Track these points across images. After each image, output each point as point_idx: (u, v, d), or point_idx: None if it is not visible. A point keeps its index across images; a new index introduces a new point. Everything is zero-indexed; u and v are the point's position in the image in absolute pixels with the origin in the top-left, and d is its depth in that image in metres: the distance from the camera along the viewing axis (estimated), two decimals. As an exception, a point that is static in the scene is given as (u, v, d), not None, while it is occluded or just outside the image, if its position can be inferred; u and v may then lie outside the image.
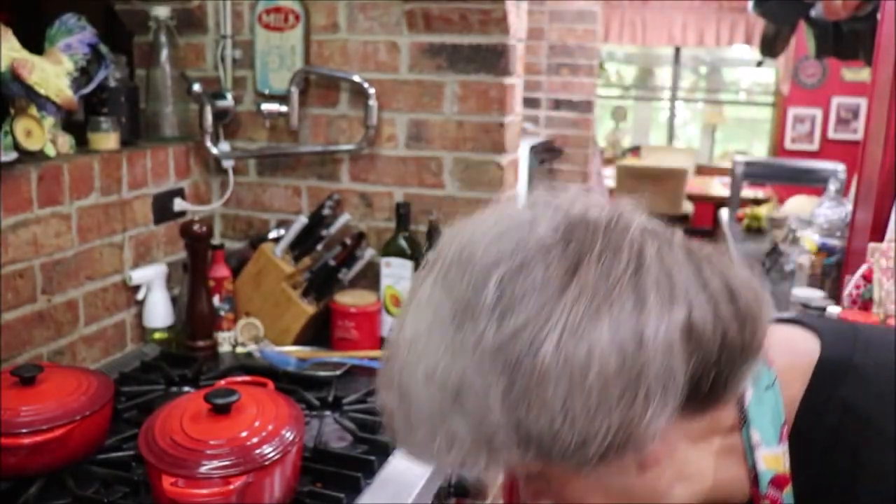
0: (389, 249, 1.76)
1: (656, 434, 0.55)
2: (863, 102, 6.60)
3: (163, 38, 1.80)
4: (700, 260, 0.59)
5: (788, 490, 0.65)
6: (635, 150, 7.62)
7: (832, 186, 2.35)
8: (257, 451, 1.07)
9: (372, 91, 1.76)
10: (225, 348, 1.75)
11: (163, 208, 1.77)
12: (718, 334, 0.57)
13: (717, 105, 7.96)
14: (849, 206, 2.20)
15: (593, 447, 0.54)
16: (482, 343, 0.54)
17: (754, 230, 3.44)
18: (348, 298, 1.75)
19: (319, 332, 1.85)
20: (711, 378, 0.58)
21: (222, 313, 1.75)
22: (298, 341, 1.79)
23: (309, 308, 1.77)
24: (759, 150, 8.19)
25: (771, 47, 3.37)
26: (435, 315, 0.56)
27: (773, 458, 0.64)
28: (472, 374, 0.54)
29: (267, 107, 1.82)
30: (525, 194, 0.56)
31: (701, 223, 7.00)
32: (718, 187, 6.32)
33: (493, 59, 1.70)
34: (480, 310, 0.54)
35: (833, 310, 1.66)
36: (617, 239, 0.56)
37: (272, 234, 1.89)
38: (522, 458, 0.55)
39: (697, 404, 0.59)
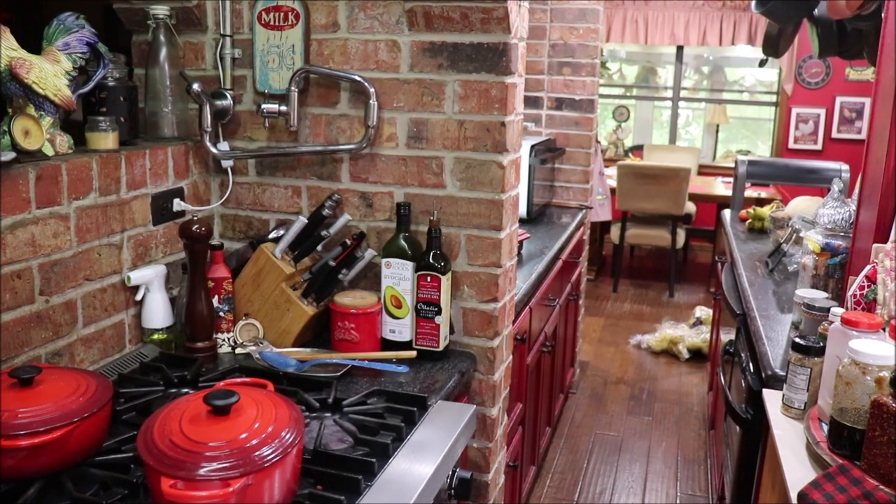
0: (390, 250, 1.75)
1: None
2: (867, 101, 6.59)
3: (162, 37, 1.79)
4: None
5: None
6: (637, 150, 7.61)
7: (836, 186, 2.33)
8: (257, 453, 1.06)
9: (372, 90, 1.76)
10: (224, 349, 1.75)
11: (162, 208, 1.76)
12: None
13: (719, 104, 7.94)
14: (853, 207, 2.18)
15: None
16: None
17: (757, 230, 3.42)
18: (348, 299, 1.74)
19: (319, 333, 1.85)
20: None
21: (221, 314, 1.74)
22: (298, 342, 1.78)
23: (309, 309, 1.77)
24: (763, 150, 8.18)
25: (774, 46, 3.35)
26: None
27: None
28: None
29: (266, 106, 1.82)
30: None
31: (703, 223, 6.99)
32: (721, 187, 6.30)
33: (495, 58, 1.69)
34: None
35: (837, 311, 1.65)
36: None
37: (272, 235, 1.89)
38: None
39: None
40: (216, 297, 1.72)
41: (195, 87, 1.75)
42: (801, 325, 1.95)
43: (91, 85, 1.61)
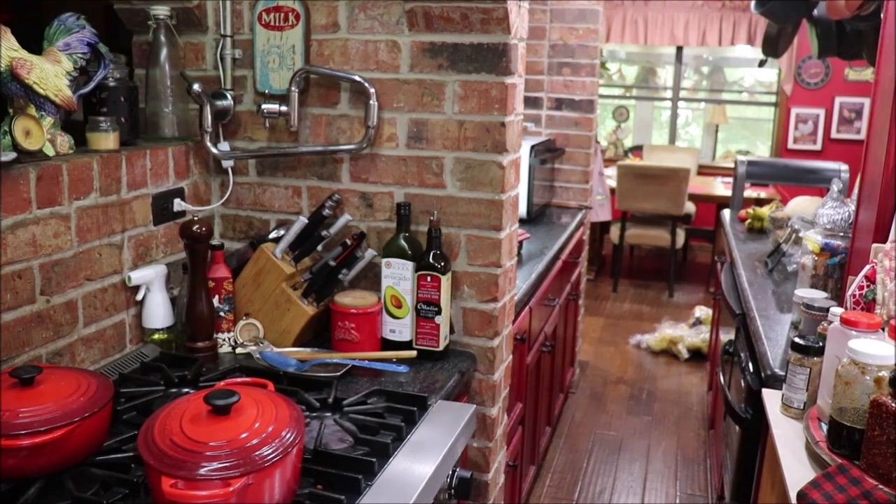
0: (390, 250, 1.76)
1: None
2: (866, 102, 6.59)
3: (162, 38, 1.80)
4: None
5: None
6: (637, 150, 7.61)
7: (835, 186, 2.33)
8: (257, 453, 1.06)
9: (372, 90, 1.76)
10: (225, 349, 1.75)
11: (162, 208, 1.76)
12: None
13: (719, 105, 7.95)
14: (852, 207, 2.18)
15: None
16: None
17: (757, 230, 3.42)
18: (349, 299, 1.74)
19: (320, 333, 1.85)
20: None
21: (222, 314, 1.74)
22: (298, 342, 1.78)
23: (309, 309, 1.77)
24: (762, 150, 8.19)
25: (774, 47, 3.36)
26: None
27: None
28: None
29: (267, 106, 1.82)
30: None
31: (703, 223, 7.00)
32: (721, 187, 6.31)
33: (495, 59, 1.70)
34: None
35: (836, 310, 1.66)
36: None
37: (272, 235, 1.89)
38: None
39: None
40: (217, 296, 1.73)
41: (196, 87, 1.75)
42: (800, 324, 1.95)
43: (92, 85, 1.61)
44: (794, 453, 1.48)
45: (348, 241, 1.76)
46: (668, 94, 7.82)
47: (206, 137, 1.82)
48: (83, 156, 1.55)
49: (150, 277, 1.70)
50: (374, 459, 1.26)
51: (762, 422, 1.80)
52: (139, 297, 1.70)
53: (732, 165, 4.72)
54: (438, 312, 1.74)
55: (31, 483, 1.16)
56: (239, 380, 1.40)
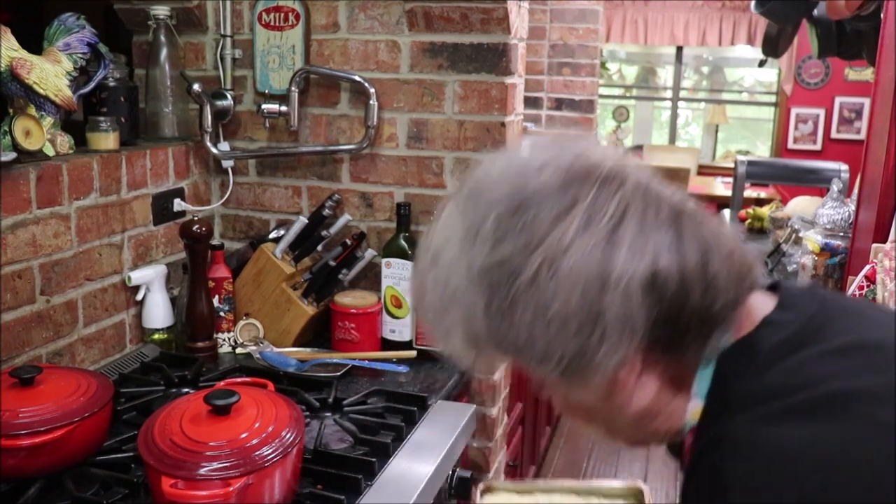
0: (390, 250, 1.75)
1: (611, 367, 0.64)
2: (866, 102, 6.59)
3: (162, 38, 1.80)
4: (684, 228, 0.65)
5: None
6: (637, 150, 7.61)
7: (835, 186, 2.33)
8: (257, 453, 1.06)
9: (372, 90, 1.76)
10: (225, 349, 1.75)
11: (162, 208, 1.76)
12: (681, 296, 0.64)
13: (719, 105, 7.95)
14: (852, 207, 2.18)
15: (552, 365, 0.65)
16: (475, 264, 0.66)
17: (757, 230, 3.42)
18: (349, 299, 1.74)
19: (320, 333, 1.85)
20: (675, 332, 0.66)
21: (222, 314, 1.74)
22: (298, 342, 1.78)
23: (309, 309, 1.77)
24: (762, 150, 8.19)
25: (774, 47, 3.35)
26: (451, 233, 0.70)
27: (696, 411, 0.72)
28: (464, 286, 0.67)
29: (267, 106, 1.82)
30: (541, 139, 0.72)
31: (703, 223, 6.98)
32: (721, 187, 6.31)
33: (495, 59, 1.70)
34: (479, 238, 0.66)
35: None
36: (607, 195, 0.64)
37: (272, 235, 1.89)
38: (501, 359, 0.68)
39: (661, 352, 0.67)
40: (217, 296, 1.72)
41: (196, 87, 1.75)
42: (800, 325, 1.95)
43: (92, 85, 1.61)
44: (794, 453, 1.48)
45: (348, 241, 1.76)
46: (668, 94, 7.82)
47: (206, 137, 1.82)
48: (83, 156, 1.55)
49: (150, 277, 1.70)
50: (374, 459, 1.26)
51: (762, 422, 1.80)
52: (139, 297, 1.70)
53: (732, 165, 4.72)
54: (438, 312, 1.73)
55: (31, 483, 1.16)
56: (239, 380, 1.40)
